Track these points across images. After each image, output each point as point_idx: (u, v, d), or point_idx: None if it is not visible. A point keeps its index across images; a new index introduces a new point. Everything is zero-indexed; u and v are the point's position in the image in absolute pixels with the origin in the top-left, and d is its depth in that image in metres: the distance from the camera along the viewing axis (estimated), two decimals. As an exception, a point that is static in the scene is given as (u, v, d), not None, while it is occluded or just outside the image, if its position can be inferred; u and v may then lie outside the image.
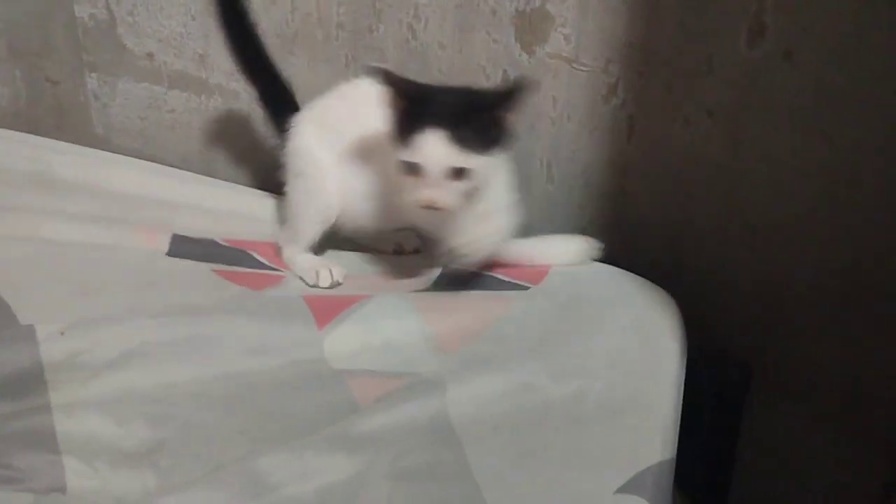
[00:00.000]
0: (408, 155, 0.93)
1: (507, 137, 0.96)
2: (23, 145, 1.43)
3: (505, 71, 1.23)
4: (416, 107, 0.93)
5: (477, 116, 0.93)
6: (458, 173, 0.93)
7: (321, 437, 0.72)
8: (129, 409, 0.76)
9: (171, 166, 1.41)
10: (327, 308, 0.94)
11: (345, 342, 0.90)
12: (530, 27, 1.21)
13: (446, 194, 0.93)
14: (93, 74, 1.50)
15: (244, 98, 1.41)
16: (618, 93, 1.18)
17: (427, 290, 1.06)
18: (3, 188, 1.30)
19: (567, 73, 1.22)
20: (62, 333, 0.85)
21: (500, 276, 1.06)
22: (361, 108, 1.04)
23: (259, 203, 1.26)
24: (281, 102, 1.17)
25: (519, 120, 0.96)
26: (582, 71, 1.21)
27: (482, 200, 0.98)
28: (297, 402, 0.80)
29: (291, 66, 1.29)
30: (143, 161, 1.40)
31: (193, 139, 1.49)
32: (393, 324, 0.94)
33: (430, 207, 0.93)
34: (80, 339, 0.85)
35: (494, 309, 0.98)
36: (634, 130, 1.20)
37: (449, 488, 0.69)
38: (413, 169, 0.93)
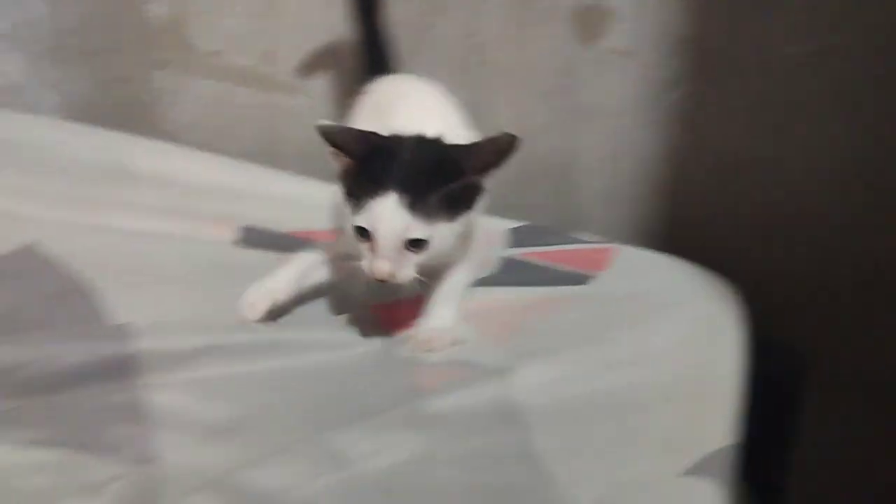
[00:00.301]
0: (360, 220, 0.81)
1: (477, 199, 0.85)
2: (96, 138, 1.49)
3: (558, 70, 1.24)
4: (369, 165, 0.81)
5: (442, 179, 0.81)
6: (417, 243, 0.82)
7: (392, 417, 0.76)
8: (212, 391, 0.80)
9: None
10: (395, 316, 0.97)
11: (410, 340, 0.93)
12: (589, 22, 1.23)
13: (400, 268, 0.82)
14: (161, 72, 1.56)
15: (309, 93, 1.45)
16: (674, 87, 1.20)
17: (483, 282, 1.08)
18: (79, 180, 1.36)
19: (624, 68, 1.24)
20: (146, 321, 0.89)
21: (558, 267, 1.08)
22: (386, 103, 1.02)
23: (325, 194, 1.29)
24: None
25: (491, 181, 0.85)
26: (639, 65, 1.23)
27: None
28: (366, 386, 0.83)
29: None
30: (210, 154, 1.45)
31: (259, 136, 1.53)
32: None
33: (383, 280, 0.82)
34: (164, 327, 0.89)
35: (554, 300, 1.00)
36: (690, 124, 1.21)
37: (515, 467, 0.72)
38: (366, 235, 0.82)
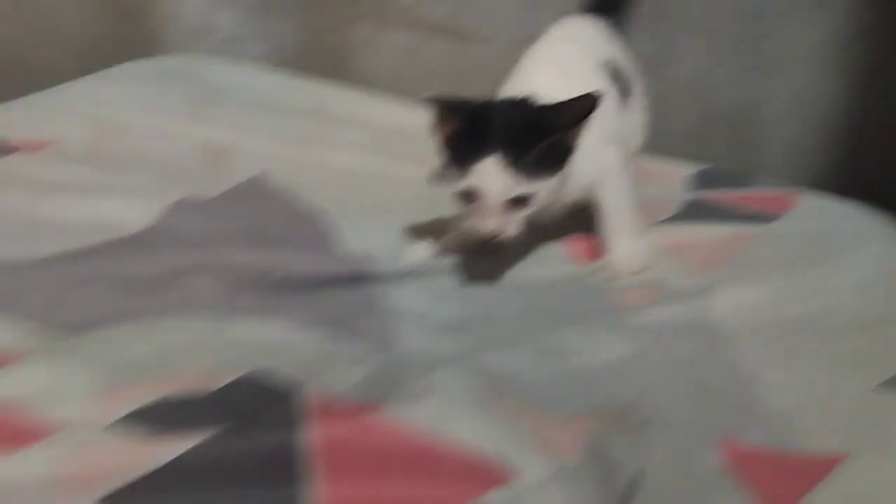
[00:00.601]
0: (465, 183, 0.88)
1: (568, 156, 0.90)
2: (301, 84, 1.65)
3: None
4: (472, 129, 0.88)
5: (538, 138, 0.87)
6: (520, 201, 0.88)
7: (602, 324, 0.86)
8: (442, 296, 0.94)
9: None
10: (586, 246, 1.06)
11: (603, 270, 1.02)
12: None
13: (507, 225, 0.88)
14: (363, 23, 1.69)
15: (499, 43, 1.54)
16: (860, 39, 1.20)
17: (671, 219, 1.15)
18: (288, 120, 1.52)
19: (812, 18, 1.25)
20: (374, 246, 1.02)
21: (743, 208, 1.13)
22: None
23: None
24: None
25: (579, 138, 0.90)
26: (827, 16, 1.24)
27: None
28: (574, 300, 0.94)
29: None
30: (400, 101, 1.58)
31: (446, 84, 1.63)
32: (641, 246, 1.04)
33: (491, 238, 0.89)
34: (390, 251, 1.02)
35: (742, 237, 1.06)
36: (874, 76, 1.21)
37: (718, 373, 0.80)
38: (470, 196, 0.88)
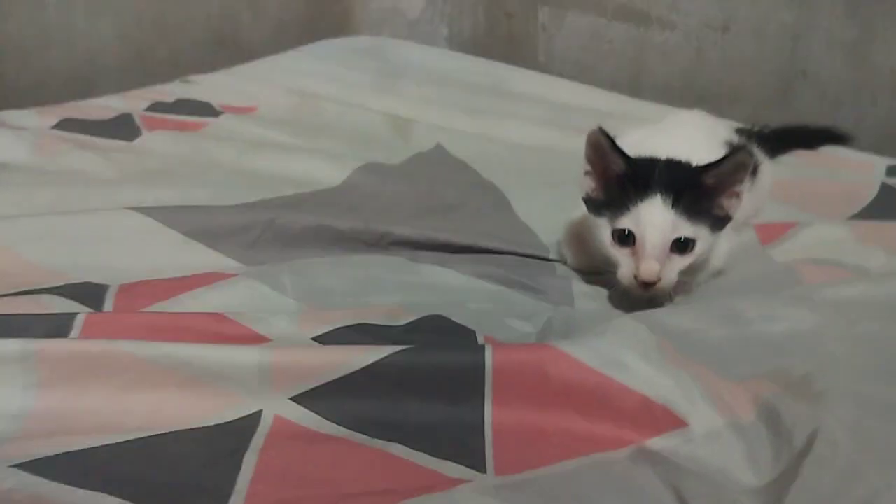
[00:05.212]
0: (625, 222, 0.83)
1: (726, 222, 0.87)
2: (480, 65, 1.72)
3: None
4: (637, 170, 0.84)
5: (700, 187, 0.83)
6: (682, 246, 0.83)
7: (785, 296, 0.84)
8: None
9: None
10: (770, 231, 1.04)
11: (786, 252, 1.00)
12: None
13: (667, 270, 0.82)
14: (545, 7, 1.73)
15: (681, 28, 1.53)
16: None
17: (864, 209, 1.12)
18: (467, 93, 1.59)
19: None
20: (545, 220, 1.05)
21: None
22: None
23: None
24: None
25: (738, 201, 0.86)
26: None
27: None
28: (753, 272, 0.93)
29: None
30: (576, 83, 1.60)
31: (624, 68, 1.65)
32: (828, 234, 1.02)
33: (647, 285, 0.82)
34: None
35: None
36: None
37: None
38: (628, 240, 0.84)
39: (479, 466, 0.62)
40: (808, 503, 0.57)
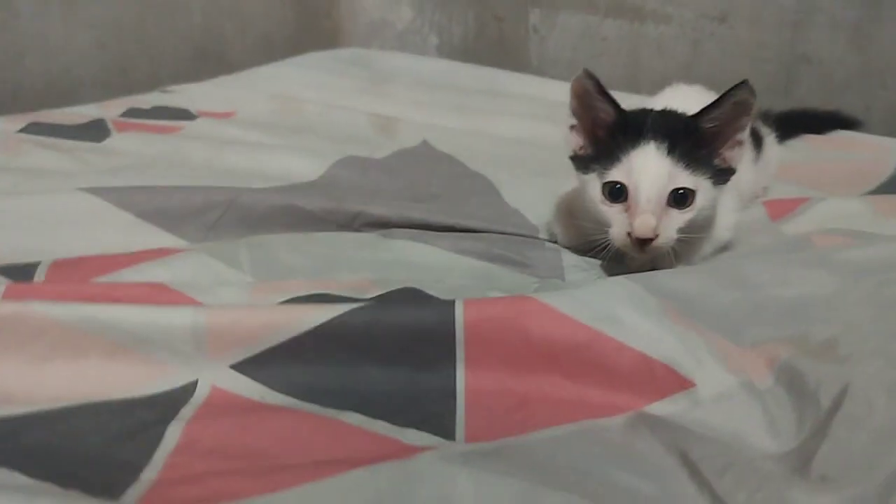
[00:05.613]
0: (616, 174, 0.74)
1: (728, 174, 0.77)
2: (469, 69, 1.66)
3: None
4: (621, 122, 0.76)
5: (697, 133, 0.74)
6: (681, 198, 0.73)
7: (798, 258, 0.75)
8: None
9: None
10: (780, 207, 0.96)
11: (797, 226, 0.91)
12: None
13: (664, 226, 0.72)
14: (535, 9, 1.67)
15: (677, 21, 1.47)
16: None
17: (877, 188, 1.03)
18: (455, 94, 1.52)
19: None
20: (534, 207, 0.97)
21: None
22: None
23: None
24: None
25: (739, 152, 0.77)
26: None
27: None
28: (770, 245, 0.84)
29: None
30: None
31: (620, 66, 1.58)
32: (844, 208, 0.93)
33: (644, 242, 0.72)
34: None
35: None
36: None
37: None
38: (620, 194, 0.74)
39: (448, 434, 0.53)
40: (842, 464, 0.48)
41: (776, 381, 0.58)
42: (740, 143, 0.77)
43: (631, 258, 0.78)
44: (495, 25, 1.74)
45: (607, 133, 0.77)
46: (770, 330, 0.64)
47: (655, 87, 1.47)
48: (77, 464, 0.49)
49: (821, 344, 0.62)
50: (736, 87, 0.73)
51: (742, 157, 0.78)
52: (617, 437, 0.53)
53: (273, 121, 1.39)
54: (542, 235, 0.91)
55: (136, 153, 1.16)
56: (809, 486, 0.46)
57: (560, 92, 1.46)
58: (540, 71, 1.65)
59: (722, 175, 0.77)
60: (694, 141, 0.74)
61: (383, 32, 1.90)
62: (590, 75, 0.76)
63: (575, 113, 0.80)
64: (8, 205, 0.85)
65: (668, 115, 0.78)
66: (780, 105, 1.26)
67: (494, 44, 1.75)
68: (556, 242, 0.88)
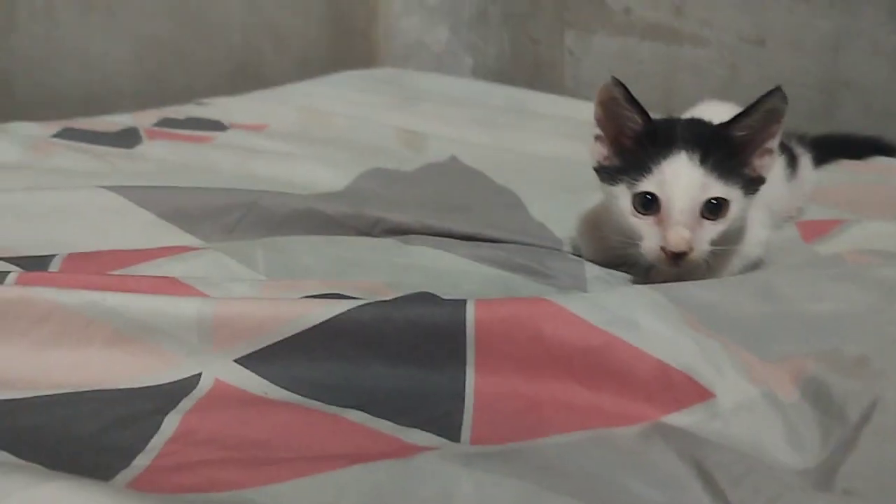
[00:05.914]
0: (647, 185, 0.72)
1: (759, 184, 0.75)
2: (502, 89, 1.65)
3: None
4: (657, 127, 0.74)
5: (728, 142, 0.72)
6: (714, 210, 0.71)
7: (831, 273, 0.72)
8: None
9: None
10: (813, 228, 0.93)
11: (831, 248, 0.88)
12: None
13: (698, 239, 0.70)
14: (570, 32, 1.67)
15: (714, 45, 1.45)
16: None
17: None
18: (486, 112, 1.51)
19: None
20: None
21: None
22: None
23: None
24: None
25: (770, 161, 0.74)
26: None
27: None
28: (802, 263, 0.81)
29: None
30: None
31: (655, 88, 1.56)
32: (879, 230, 0.90)
33: (679, 256, 0.69)
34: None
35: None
36: None
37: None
38: (651, 206, 0.72)
39: (453, 436, 0.51)
40: (869, 478, 0.45)
41: (802, 395, 0.55)
42: (770, 151, 0.74)
43: (657, 272, 0.75)
44: (531, 47, 1.73)
45: (634, 142, 0.75)
46: (799, 344, 0.61)
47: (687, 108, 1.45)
48: (69, 447, 0.48)
49: (853, 361, 0.59)
50: (768, 94, 0.71)
51: (772, 166, 0.76)
52: (629, 445, 0.50)
53: (303, 133, 1.40)
54: (567, 248, 0.89)
55: (164, 160, 1.17)
56: (832, 499, 0.43)
57: (591, 112, 1.47)
58: (575, 93, 1.64)
59: (752, 184, 0.74)
60: (725, 150, 0.72)
61: (419, 54, 1.91)
62: (618, 82, 0.74)
63: (599, 122, 0.78)
64: (29, 199, 0.85)
65: (697, 124, 0.76)
66: (820, 131, 1.23)
67: (530, 66, 1.74)
68: (580, 256, 0.86)
